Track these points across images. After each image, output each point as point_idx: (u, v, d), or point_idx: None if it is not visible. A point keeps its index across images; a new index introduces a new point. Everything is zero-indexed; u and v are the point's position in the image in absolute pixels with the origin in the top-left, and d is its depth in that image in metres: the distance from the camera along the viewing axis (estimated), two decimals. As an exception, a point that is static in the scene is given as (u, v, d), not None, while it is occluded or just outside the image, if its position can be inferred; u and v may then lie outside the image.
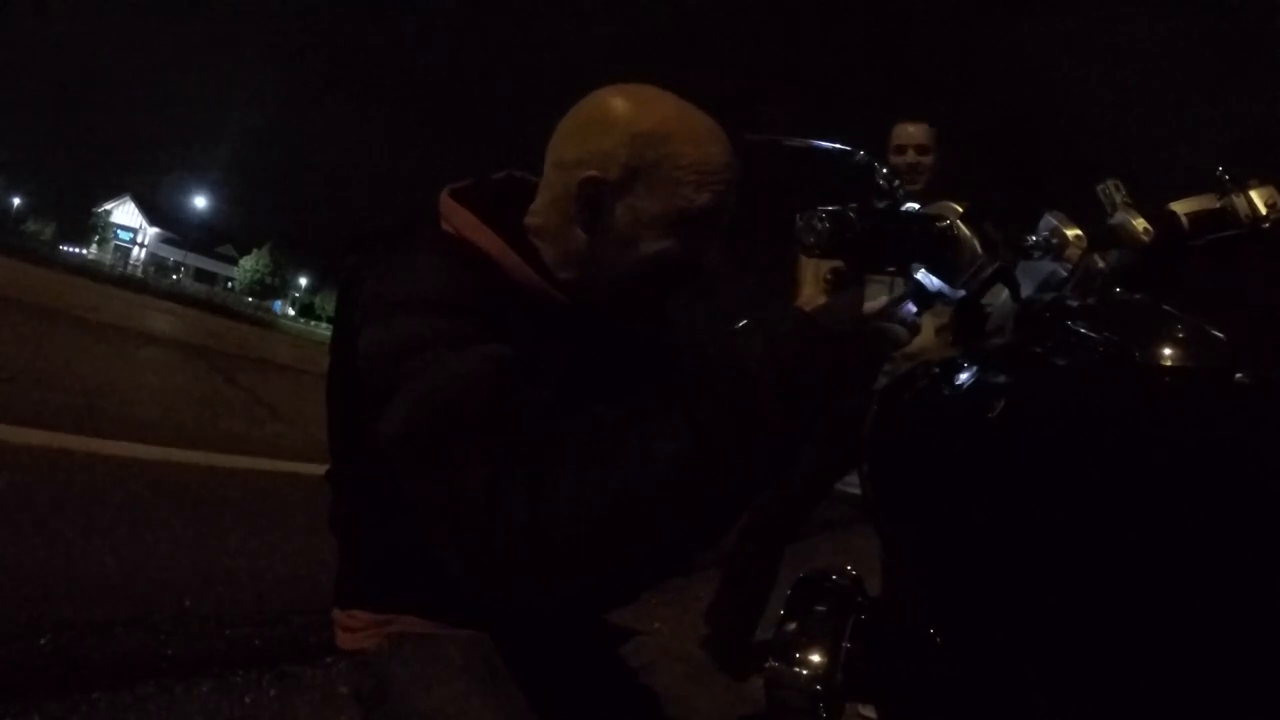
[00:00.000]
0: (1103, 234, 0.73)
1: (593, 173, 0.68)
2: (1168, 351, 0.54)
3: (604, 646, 0.86)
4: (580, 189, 0.69)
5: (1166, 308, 0.59)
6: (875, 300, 0.72)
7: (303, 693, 1.57)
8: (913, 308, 0.71)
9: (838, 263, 0.72)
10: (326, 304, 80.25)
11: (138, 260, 57.26)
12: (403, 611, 0.77)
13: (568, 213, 0.71)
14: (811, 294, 0.69)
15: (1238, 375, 0.50)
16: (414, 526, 0.62)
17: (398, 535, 0.70)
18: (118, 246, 58.81)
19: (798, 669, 0.66)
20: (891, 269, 0.74)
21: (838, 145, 0.86)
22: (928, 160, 2.08)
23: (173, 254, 61.90)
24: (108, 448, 2.85)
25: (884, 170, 0.89)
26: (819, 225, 0.71)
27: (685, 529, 0.56)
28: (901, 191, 0.87)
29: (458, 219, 0.72)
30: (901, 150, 2.09)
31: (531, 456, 0.55)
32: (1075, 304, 0.66)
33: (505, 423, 0.56)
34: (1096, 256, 0.73)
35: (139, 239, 59.94)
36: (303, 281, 78.35)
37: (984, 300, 0.79)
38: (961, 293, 0.77)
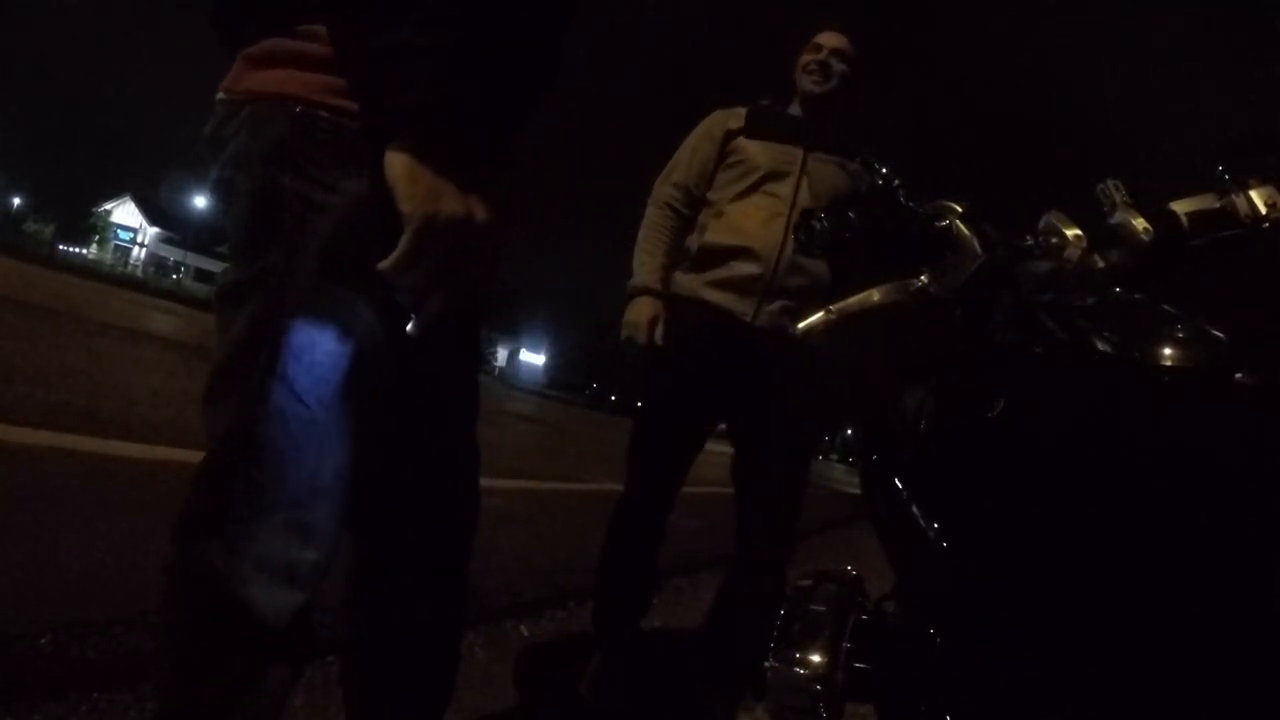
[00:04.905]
0: (1103, 234, 0.73)
1: None
2: (1168, 351, 0.54)
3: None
4: None
5: (1166, 308, 0.59)
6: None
7: (303, 693, 1.57)
8: None
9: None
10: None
11: (138, 260, 57.23)
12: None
13: None
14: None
15: (1238, 375, 0.50)
16: None
17: None
18: (118, 246, 58.78)
19: (798, 669, 0.67)
20: (891, 269, 0.74)
21: None
22: (841, 68, 1.88)
23: (173, 254, 61.86)
24: (108, 448, 2.84)
25: (883, 170, 0.89)
26: (818, 225, 0.71)
27: None
28: (901, 190, 0.87)
29: None
30: (817, 49, 1.90)
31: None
32: (1075, 304, 0.65)
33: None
34: (1096, 256, 0.73)
35: (139, 239, 59.93)
36: (303, 281, 78.14)
37: (984, 300, 0.79)
38: (961, 292, 0.77)
